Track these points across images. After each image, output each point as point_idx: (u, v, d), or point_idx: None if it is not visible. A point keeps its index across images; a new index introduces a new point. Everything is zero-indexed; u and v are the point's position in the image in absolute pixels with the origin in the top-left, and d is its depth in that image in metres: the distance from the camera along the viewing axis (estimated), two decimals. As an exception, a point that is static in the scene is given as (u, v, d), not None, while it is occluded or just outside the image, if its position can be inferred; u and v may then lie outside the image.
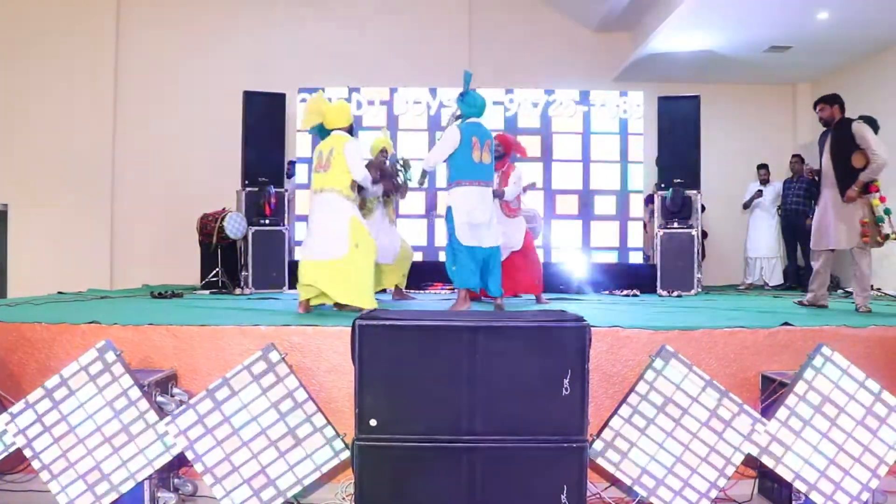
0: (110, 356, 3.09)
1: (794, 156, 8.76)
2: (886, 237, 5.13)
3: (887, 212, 5.14)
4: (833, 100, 5.39)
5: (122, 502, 3.02)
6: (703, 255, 9.20)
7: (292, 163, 8.58)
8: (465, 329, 2.76)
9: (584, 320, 2.82)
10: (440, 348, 2.76)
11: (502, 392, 2.75)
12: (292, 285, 7.50)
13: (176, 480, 3.31)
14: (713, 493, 2.98)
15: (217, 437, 3.02)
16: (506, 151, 6.13)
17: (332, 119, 4.93)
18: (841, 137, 5.23)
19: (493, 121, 8.72)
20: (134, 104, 9.25)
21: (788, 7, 7.20)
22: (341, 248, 4.57)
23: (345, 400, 3.34)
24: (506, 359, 2.76)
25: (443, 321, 2.82)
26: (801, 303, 5.64)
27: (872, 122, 5.29)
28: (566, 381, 2.70)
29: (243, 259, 7.58)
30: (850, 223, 5.16)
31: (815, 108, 5.50)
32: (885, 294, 7.33)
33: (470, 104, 5.13)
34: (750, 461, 3.15)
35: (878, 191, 5.17)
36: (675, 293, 7.33)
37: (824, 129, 5.47)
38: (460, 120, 5.19)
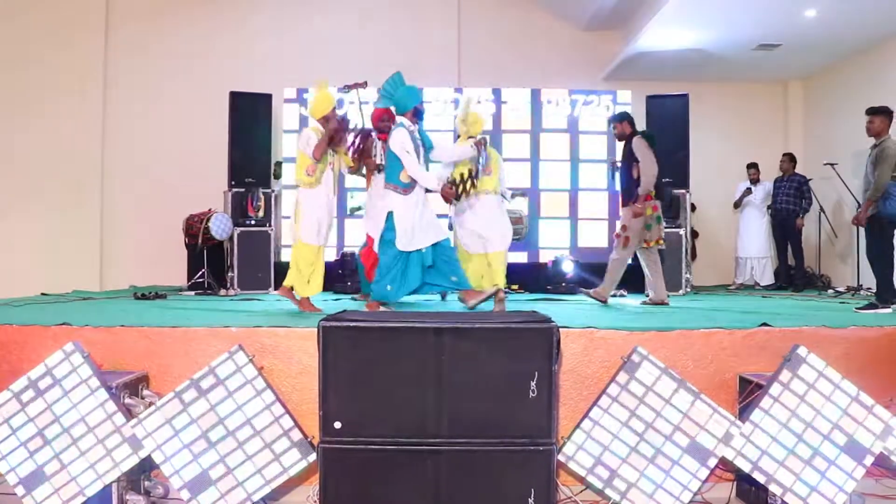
0: (77, 358, 3.06)
1: (784, 155, 8.72)
2: (649, 242, 5.80)
3: (658, 220, 5.78)
4: (621, 118, 5.97)
5: (90, 505, 3.00)
6: (694, 255, 9.18)
7: (279, 163, 8.55)
8: (431, 330, 2.73)
9: (552, 321, 2.79)
10: (405, 350, 2.73)
11: (468, 394, 2.72)
12: (278, 286, 7.47)
13: (147, 483, 3.28)
14: (686, 497, 2.95)
15: (184, 440, 2.99)
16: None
17: (479, 127, 5.61)
18: (628, 151, 5.82)
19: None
20: (122, 105, 9.21)
21: (776, 5, 7.17)
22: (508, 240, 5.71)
23: (315, 402, 3.28)
24: (472, 360, 2.72)
25: (408, 322, 2.79)
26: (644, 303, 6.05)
27: (650, 139, 5.82)
28: (533, 384, 2.66)
29: (229, 260, 7.54)
30: (634, 228, 5.75)
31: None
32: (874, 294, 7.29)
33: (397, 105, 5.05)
34: (728, 464, 3.12)
35: (652, 199, 5.74)
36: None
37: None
38: None
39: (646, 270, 5.97)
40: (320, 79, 5.00)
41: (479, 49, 9.38)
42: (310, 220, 4.90)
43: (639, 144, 5.71)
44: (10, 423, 2.99)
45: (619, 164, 6.08)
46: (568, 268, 7.91)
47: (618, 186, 6.20)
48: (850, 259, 8.35)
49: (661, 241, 5.89)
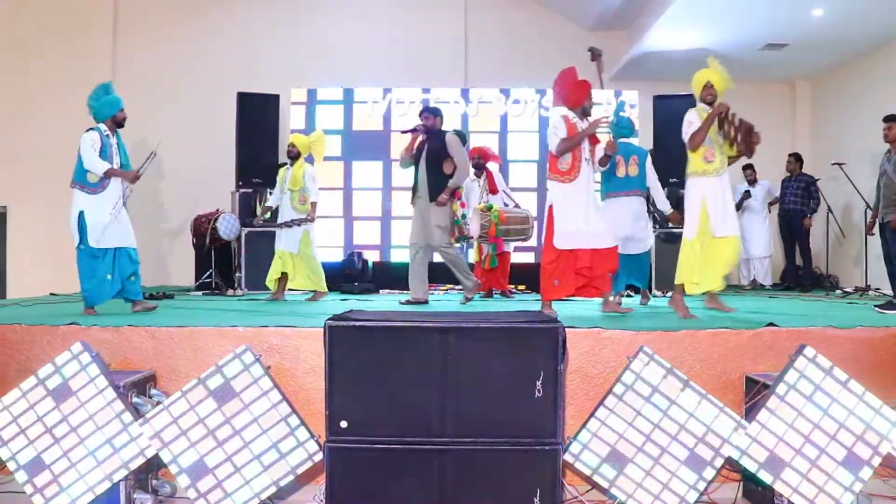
0: (85, 357, 3.08)
1: (790, 155, 8.69)
2: (457, 239, 6.04)
3: (464, 216, 6.04)
4: (436, 112, 5.91)
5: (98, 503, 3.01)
6: None
7: (284, 165, 8.56)
8: (436, 330, 2.73)
9: (558, 321, 2.79)
10: (411, 349, 2.74)
11: (474, 393, 2.72)
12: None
13: (154, 482, 3.30)
14: (692, 497, 2.94)
15: (191, 439, 3.00)
16: (484, 160, 6.94)
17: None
18: (438, 147, 5.74)
19: (486, 121, 8.71)
20: (130, 105, 9.13)
21: (783, 4, 7.14)
22: None
23: (322, 402, 3.29)
24: (477, 360, 2.73)
25: (413, 322, 2.80)
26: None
27: (461, 135, 6.01)
28: (538, 383, 2.67)
29: (237, 260, 7.57)
30: (445, 224, 5.77)
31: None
32: (884, 294, 7.26)
33: (623, 126, 5.90)
34: (734, 464, 3.11)
35: (459, 197, 5.99)
36: (669, 293, 7.26)
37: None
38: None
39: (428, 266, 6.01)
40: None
41: (485, 49, 9.38)
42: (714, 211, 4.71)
43: (456, 141, 5.79)
44: (19, 422, 3.01)
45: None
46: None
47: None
48: (858, 259, 8.32)
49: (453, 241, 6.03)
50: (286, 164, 6.51)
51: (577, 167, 4.60)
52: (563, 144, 4.57)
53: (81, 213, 4.67)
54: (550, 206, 4.64)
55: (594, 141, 4.72)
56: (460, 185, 5.88)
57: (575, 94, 4.78)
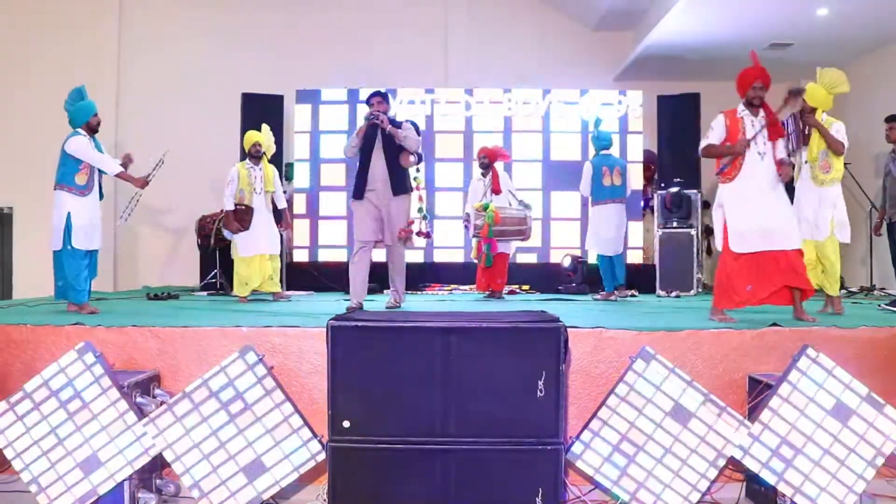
0: (90, 357, 3.10)
1: (798, 154, 8.66)
2: (414, 235, 5.71)
3: (420, 210, 6.00)
4: (386, 96, 5.48)
5: (103, 503, 3.03)
6: (710, 252, 9.14)
7: (290, 165, 8.58)
8: (438, 330, 2.74)
9: (560, 321, 2.79)
10: (413, 349, 2.75)
11: (476, 393, 2.73)
12: (289, 286, 7.54)
13: (158, 481, 3.31)
14: (695, 497, 2.95)
15: (195, 439, 3.02)
16: (491, 160, 6.91)
17: None
18: (390, 138, 5.20)
19: (491, 121, 8.71)
20: (135, 106, 9.28)
21: (787, 4, 7.14)
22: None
23: (325, 401, 3.31)
24: (479, 360, 2.74)
25: (416, 322, 2.81)
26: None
27: (416, 128, 5.53)
28: (540, 383, 2.67)
29: (241, 261, 7.56)
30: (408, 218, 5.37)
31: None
32: (888, 294, 7.23)
33: (603, 139, 6.71)
34: (737, 464, 3.11)
35: (419, 189, 6.07)
36: (674, 293, 7.27)
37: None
38: None
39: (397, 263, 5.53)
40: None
41: (490, 50, 9.38)
42: None
43: (412, 131, 5.31)
44: (24, 422, 3.04)
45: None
46: (578, 268, 7.90)
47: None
48: (864, 260, 8.28)
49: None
50: (247, 162, 6.35)
51: (738, 165, 4.25)
52: (705, 150, 4.39)
53: (69, 215, 4.68)
54: (721, 208, 4.34)
55: (774, 137, 4.34)
56: (410, 149, 5.19)
57: (737, 82, 4.49)
